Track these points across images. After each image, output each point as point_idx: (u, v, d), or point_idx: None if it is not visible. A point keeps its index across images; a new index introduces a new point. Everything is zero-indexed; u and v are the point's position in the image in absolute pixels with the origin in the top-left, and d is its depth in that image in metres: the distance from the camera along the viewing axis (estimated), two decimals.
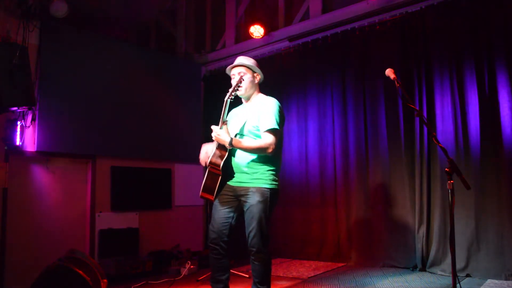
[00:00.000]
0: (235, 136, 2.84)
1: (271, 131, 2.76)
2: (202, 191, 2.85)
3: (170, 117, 6.15)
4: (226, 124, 2.80)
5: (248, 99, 3.01)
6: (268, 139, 2.75)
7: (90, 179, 5.27)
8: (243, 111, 2.99)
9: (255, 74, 2.98)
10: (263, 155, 2.80)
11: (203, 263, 5.16)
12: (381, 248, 4.84)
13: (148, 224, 5.64)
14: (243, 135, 2.84)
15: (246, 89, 2.93)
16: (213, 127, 2.78)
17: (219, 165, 2.76)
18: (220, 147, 2.80)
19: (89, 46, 5.29)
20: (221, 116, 2.79)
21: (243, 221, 2.82)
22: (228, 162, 2.81)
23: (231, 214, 2.84)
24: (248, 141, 2.78)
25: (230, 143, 2.71)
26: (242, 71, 2.92)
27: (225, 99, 2.78)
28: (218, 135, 2.74)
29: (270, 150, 2.75)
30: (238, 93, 2.90)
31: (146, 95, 5.86)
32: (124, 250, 5.20)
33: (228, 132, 2.78)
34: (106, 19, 6.39)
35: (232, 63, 3.03)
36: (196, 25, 7.25)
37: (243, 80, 2.86)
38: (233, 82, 2.87)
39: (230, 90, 2.77)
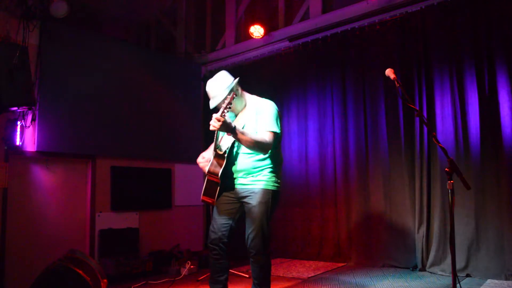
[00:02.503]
0: (233, 142, 2.82)
1: (271, 132, 2.74)
2: (203, 195, 2.86)
3: (170, 117, 6.15)
4: (219, 151, 2.79)
5: (242, 109, 2.94)
6: (268, 138, 2.71)
7: (90, 179, 5.27)
8: (240, 115, 2.94)
9: (234, 90, 2.80)
10: (263, 158, 2.79)
11: (203, 263, 5.16)
12: (381, 248, 4.84)
13: (148, 224, 5.64)
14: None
15: (237, 108, 2.89)
16: (214, 115, 2.57)
17: (217, 174, 2.74)
18: (218, 156, 2.80)
19: (89, 46, 5.29)
20: (214, 141, 2.77)
21: (243, 222, 2.82)
22: (226, 171, 2.78)
23: (232, 216, 2.84)
24: (251, 133, 2.71)
25: (234, 130, 2.60)
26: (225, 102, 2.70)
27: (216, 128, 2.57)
28: (222, 122, 2.53)
29: (266, 151, 2.73)
30: (236, 112, 2.90)
31: (146, 95, 5.86)
32: (124, 250, 5.20)
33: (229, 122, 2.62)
34: (106, 19, 6.39)
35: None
36: (196, 25, 7.25)
37: (235, 97, 2.64)
38: (223, 105, 2.60)
39: (221, 110, 2.57)
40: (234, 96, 2.64)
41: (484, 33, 4.24)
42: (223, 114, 2.58)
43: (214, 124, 2.57)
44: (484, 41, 4.24)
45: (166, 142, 6.01)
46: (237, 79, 2.87)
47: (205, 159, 2.90)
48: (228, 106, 2.60)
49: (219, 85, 2.81)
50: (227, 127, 2.59)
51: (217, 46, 6.82)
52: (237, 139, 2.67)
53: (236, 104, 2.88)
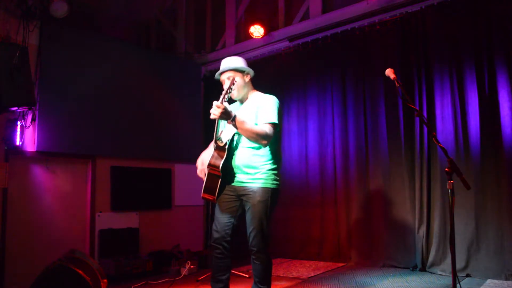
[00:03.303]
0: (233, 135, 2.83)
1: (271, 124, 2.75)
2: (203, 192, 2.85)
3: (170, 117, 6.15)
4: (219, 141, 2.79)
5: (243, 100, 2.98)
6: (268, 130, 2.72)
7: (90, 179, 5.27)
8: (241, 108, 2.95)
9: (244, 74, 2.92)
10: (263, 154, 2.79)
11: (203, 263, 5.16)
12: (381, 248, 4.84)
13: (148, 224, 5.64)
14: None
15: (239, 92, 2.91)
16: (214, 102, 2.60)
17: (218, 166, 2.73)
18: (219, 148, 2.80)
19: (89, 46, 5.29)
20: (214, 133, 2.78)
21: (245, 220, 2.82)
22: (227, 163, 2.78)
23: (233, 214, 2.84)
24: (250, 123, 2.73)
25: (233, 119, 2.62)
26: (231, 75, 2.86)
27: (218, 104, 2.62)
28: (223, 109, 2.56)
29: (265, 142, 2.72)
30: (233, 97, 2.91)
31: (146, 95, 5.86)
32: (124, 250, 5.20)
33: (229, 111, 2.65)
34: (106, 19, 6.39)
35: None
36: (196, 25, 7.25)
37: (235, 83, 2.71)
38: (225, 87, 2.69)
39: (222, 96, 2.63)
40: (235, 82, 2.69)
41: (484, 33, 4.24)
42: (224, 99, 2.61)
43: (214, 112, 2.59)
44: (484, 41, 4.24)
45: (166, 142, 6.01)
46: (252, 70, 2.95)
47: (204, 166, 2.88)
48: (229, 91, 2.63)
49: (232, 62, 2.93)
50: (228, 115, 2.61)
51: (217, 46, 6.82)
52: (237, 127, 2.67)
53: (240, 87, 2.89)
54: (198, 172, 2.96)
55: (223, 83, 2.92)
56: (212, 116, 2.62)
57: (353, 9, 5.23)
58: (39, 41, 4.80)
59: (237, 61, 2.94)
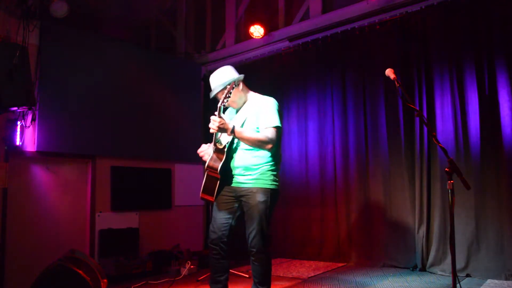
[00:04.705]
0: (233, 138, 2.83)
1: (273, 128, 2.75)
2: (202, 192, 2.85)
3: (170, 117, 6.15)
4: (219, 145, 2.80)
5: (243, 105, 2.97)
6: (270, 134, 2.72)
7: (90, 179, 5.27)
8: (241, 111, 2.95)
9: (237, 84, 2.84)
10: (262, 155, 2.79)
11: (203, 263, 5.16)
12: (381, 248, 4.84)
13: (148, 224, 5.64)
14: None
15: (237, 102, 2.91)
16: (212, 117, 2.65)
17: (217, 169, 2.74)
18: (218, 150, 2.80)
19: (89, 46, 5.29)
20: (213, 139, 2.79)
21: (243, 221, 2.82)
22: (226, 165, 2.78)
23: (231, 215, 2.84)
24: (250, 132, 2.75)
25: (232, 131, 2.65)
26: (224, 92, 2.77)
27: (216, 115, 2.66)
28: (220, 123, 2.62)
29: (270, 146, 2.72)
30: (234, 107, 2.93)
31: (146, 95, 5.86)
32: (124, 250, 5.19)
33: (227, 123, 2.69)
34: (106, 19, 6.38)
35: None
36: (196, 25, 7.25)
37: (230, 93, 2.67)
38: (220, 100, 2.68)
39: (218, 109, 2.64)
40: (234, 86, 2.69)
41: (484, 33, 4.24)
42: (220, 111, 2.63)
43: (212, 126, 2.65)
44: (484, 41, 4.24)
45: (166, 142, 6.01)
46: (241, 75, 2.91)
47: (206, 149, 2.88)
48: (227, 96, 2.65)
49: (220, 77, 2.88)
50: (226, 128, 2.64)
51: (217, 46, 6.82)
52: (237, 138, 2.71)
53: (236, 98, 2.89)
54: (201, 155, 2.90)
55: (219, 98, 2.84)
56: (211, 131, 2.67)
57: (353, 9, 5.23)
58: (39, 41, 4.79)
59: (224, 76, 2.88)
